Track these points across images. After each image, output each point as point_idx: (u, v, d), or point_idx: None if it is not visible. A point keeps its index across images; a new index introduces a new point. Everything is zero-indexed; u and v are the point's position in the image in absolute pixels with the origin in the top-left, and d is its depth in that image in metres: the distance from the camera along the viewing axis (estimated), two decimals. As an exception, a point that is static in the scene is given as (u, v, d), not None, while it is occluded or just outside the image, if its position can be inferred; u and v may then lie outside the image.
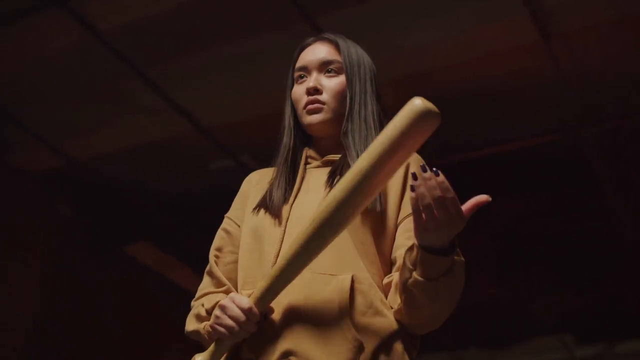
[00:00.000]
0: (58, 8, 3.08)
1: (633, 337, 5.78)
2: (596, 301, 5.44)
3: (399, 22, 3.13)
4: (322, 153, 1.56)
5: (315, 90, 1.53)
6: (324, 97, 1.52)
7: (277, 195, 1.49)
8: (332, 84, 1.53)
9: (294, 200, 1.48)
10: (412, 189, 1.19)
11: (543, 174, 4.05)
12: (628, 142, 3.81)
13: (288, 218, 1.45)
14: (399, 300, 1.35)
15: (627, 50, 3.25)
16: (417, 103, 1.15)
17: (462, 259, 1.28)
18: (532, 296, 5.36)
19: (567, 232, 4.60)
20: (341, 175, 1.46)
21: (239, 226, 1.55)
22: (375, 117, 1.53)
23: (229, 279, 1.50)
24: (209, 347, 1.42)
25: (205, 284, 1.53)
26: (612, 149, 3.87)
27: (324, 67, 1.55)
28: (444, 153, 3.71)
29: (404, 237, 1.42)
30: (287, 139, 1.57)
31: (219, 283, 1.50)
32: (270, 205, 1.48)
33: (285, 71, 1.63)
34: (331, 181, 1.47)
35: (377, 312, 1.36)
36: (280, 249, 1.42)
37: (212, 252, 1.56)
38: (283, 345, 1.34)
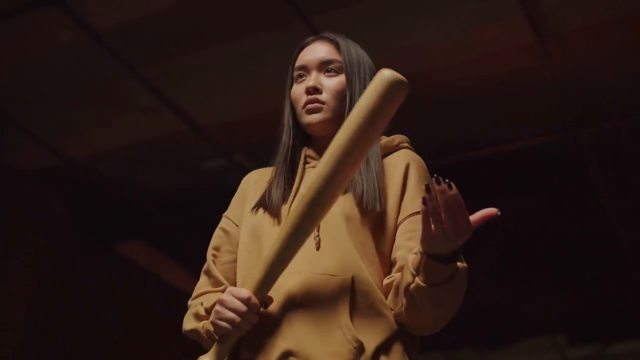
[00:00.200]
0: (55, 7, 3.08)
1: (632, 337, 5.79)
2: (595, 302, 5.45)
3: (399, 22, 3.12)
4: (321, 152, 1.55)
5: (314, 90, 1.52)
6: (323, 96, 1.52)
7: (276, 194, 1.48)
8: (331, 83, 1.53)
9: (293, 200, 1.47)
10: (424, 201, 1.20)
11: (543, 174, 4.05)
12: (628, 142, 3.81)
13: (287, 217, 1.45)
14: (400, 304, 1.34)
15: (627, 50, 3.25)
16: (386, 73, 1.23)
17: (465, 265, 1.29)
18: (532, 296, 5.36)
19: (567, 232, 4.60)
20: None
21: (237, 225, 1.55)
22: (375, 117, 1.52)
23: (227, 279, 1.50)
24: (207, 346, 1.42)
25: (203, 283, 1.52)
26: (612, 149, 3.87)
27: (324, 66, 1.54)
28: (444, 153, 3.71)
29: (404, 238, 1.41)
30: (286, 138, 1.56)
31: (216, 282, 1.50)
32: (269, 205, 1.47)
33: (282, 71, 1.62)
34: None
35: (378, 313, 1.36)
36: None
37: (210, 252, 1.55)
38: (283, 345, 1.33)
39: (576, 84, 3.42)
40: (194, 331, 1.44)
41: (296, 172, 1.52)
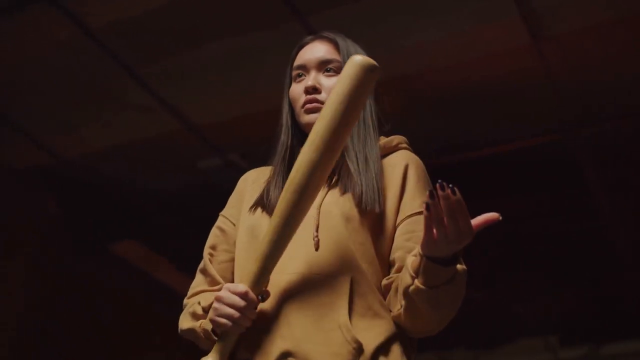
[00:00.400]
0: (50, 6, 3.07)
1: (631, 337, 5.78)
2: (593, 302, 5.44)
3: (398, 22, 3.12)
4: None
5: (313, 89, 1.51)
6: (322, 96, 1.51)
7: (274, 194, 1.47)
8: (331, 83, 1.52)
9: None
10: (427, 207, 1.20)
11: (543, 174, 4.04)
12: (627, 143, 3.81)
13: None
14: (398, 305, 1.34)
15: (627, 50, 3.24)
16: (357, 58, 1.30)
17: (465, 267, 1.29)
18: (532, 296, 5.36)
19: (566, 232, 4.59)
20: (339, 175, 1.46)
21: (235, 224, 1.54)
22: (374, 117, 1.51)
23: (223, 278, 1.49)
24: (203, 346, 1.41)
25: (198, 281, 1.51)
26: (612, 149, 3.87)
27: (323, 66, 1.54)
28: (444, 153, 3.71)
29: (403, 239, 1.41)
30: (284, 137, 1.55)
31: (212, 281, 1.49)
32: (267, 204, 1.47)
33: (280, 70, 1.61)
34: (329, 181, 1.46)
35: (376, 314, 1.36)
36: None
37: (207, 250, 1.54)
38: (282, 345, 1.33)
39: (576, 84, 3.42)
40: (191, 330, 1.43)
41: (295, 171, 1.52)
